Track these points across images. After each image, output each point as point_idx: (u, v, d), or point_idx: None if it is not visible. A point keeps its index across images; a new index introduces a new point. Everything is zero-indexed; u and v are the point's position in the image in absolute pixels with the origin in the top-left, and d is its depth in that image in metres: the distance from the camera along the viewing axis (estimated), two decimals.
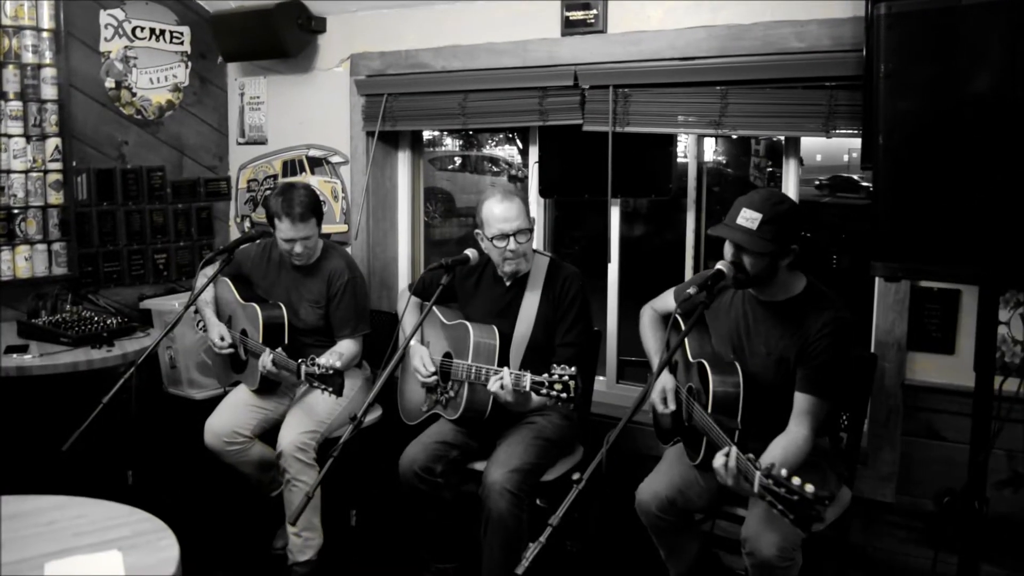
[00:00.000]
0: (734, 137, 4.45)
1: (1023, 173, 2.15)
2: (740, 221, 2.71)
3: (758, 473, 2.34)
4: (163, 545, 2.10)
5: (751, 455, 2.44)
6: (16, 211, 4.29)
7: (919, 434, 3.34)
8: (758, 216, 2.68)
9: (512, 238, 3.31)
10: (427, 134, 4.95)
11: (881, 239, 2.38)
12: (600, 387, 4.14)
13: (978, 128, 2.22)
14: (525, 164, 4.50)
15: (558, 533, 2.27)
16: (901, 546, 3.42)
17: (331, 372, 3.18)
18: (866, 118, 3.02)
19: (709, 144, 3.73)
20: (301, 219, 3.58)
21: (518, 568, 2.23)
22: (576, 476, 2.32)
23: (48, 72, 4.34)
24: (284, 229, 3.60)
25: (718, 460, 2.56)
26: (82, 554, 2.01)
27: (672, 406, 2.98)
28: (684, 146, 4.05)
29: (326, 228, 4.27)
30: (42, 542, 2.10)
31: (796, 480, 2.25)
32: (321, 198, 4.55)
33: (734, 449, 2.53)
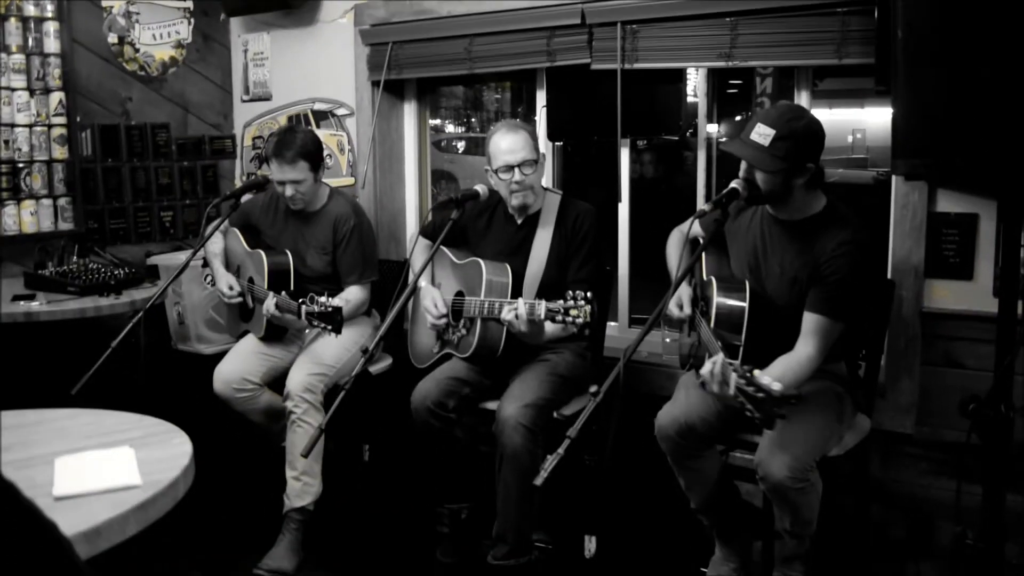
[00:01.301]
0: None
1: None
2: (754, 137, 2.65)
3: (734, 375, 2.31)
4: (176, 443, 2.07)
5: (735, 362, 2.39)
6: (21, 165, 4.27)
7: (938, 363, 3.29)
8: (771, 132, 2.61)
9: (517, 169, 3.27)
10: (432, 120, 4.91)
11: (901, 136, 2.32)
12: (612, 331, 4.10)
13: (1000, 18, 2.16)
14: None
15: (576, 446, 2.23)
16: (922, 477, 3.37)
17: (330, 310, 3.15)
18: (880, 37, 2.97)
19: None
20: (290, 161, 3.55)
21: (536, 479, 2.20)
22: (594, 389, 2.27)
23: (51, 26, 4.31)
24: (274, 171, 3.59)
25: (705, 367, 2.52)
26: (93, 451, 1.97)
27: (688, 310, 2.98)
28: (694, 84, 4.00)
29: (333, 181, 4.23)
30: (51, 444, 2.06)
31: (766, 379, 2.23)
32: (327, 151, 4.52)
33: (720, 355, 2.49)
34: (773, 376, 2.56)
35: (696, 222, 3.07)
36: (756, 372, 2.28)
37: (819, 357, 2.69)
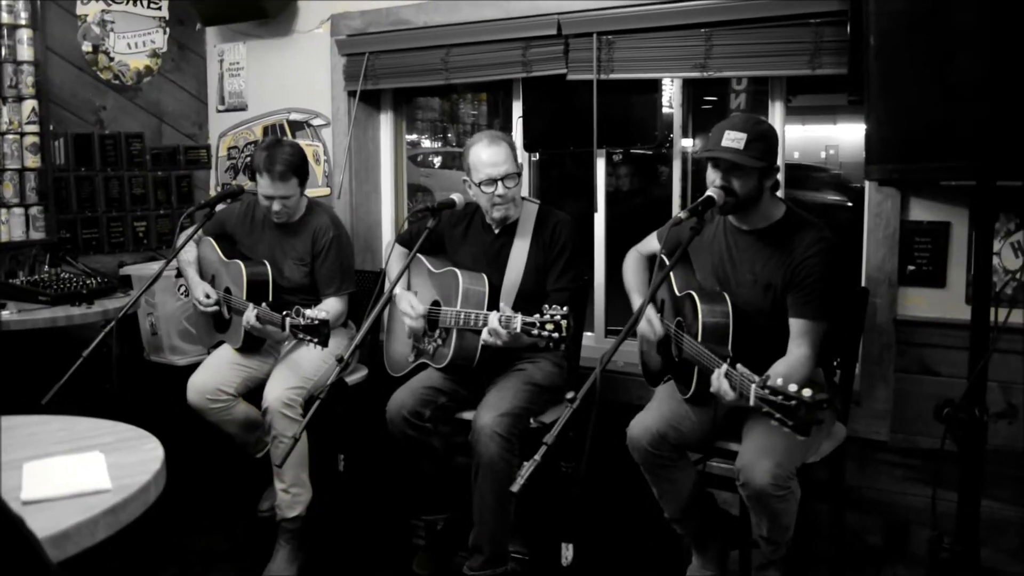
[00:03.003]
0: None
1: (1014, 65, 2.14)
2: (726, 143, 2.71)
3: (753, 385, 2.32)
4: (147, 448, 2.03)
5: (746, 370, 2.40)
6: None
7: (912, 370, 3.32)
8: (743, 136, 2.69)
9: (500, 183, 3.26)
10: (408, 136, 4.91)
11: (875, 143, 2.35)
12: (588, 341, 4.10)
13: (971, 26, 2.20)
14: None
15: (553, 453, 2.22)
16: (897, 484, 3.39)
17: (316, 322, 3.12)
18: (853, 47, 3.00)
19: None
20: (281, 177, 3.51)
21: (513, 485, 2.19)
22: (570, 395, 2.26)
23: (24, 33, 4.26)
24: (264, 186, 3.54)
25: (714, 382, 2.54)
26: (62, 456, 1.94)
27: (659, 329, 2.98)
28: (669, 95, 4.03)
29: (308, 192, 4.21)
30: (21, 449, 2.02)
31: (793, 386, 2.22)
32: None
33: (725, 366, 2.51)
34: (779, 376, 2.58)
35: (655, 238, 3.12)
36: (779, 380, 2.27)
37: (815, 357, 2.74)
